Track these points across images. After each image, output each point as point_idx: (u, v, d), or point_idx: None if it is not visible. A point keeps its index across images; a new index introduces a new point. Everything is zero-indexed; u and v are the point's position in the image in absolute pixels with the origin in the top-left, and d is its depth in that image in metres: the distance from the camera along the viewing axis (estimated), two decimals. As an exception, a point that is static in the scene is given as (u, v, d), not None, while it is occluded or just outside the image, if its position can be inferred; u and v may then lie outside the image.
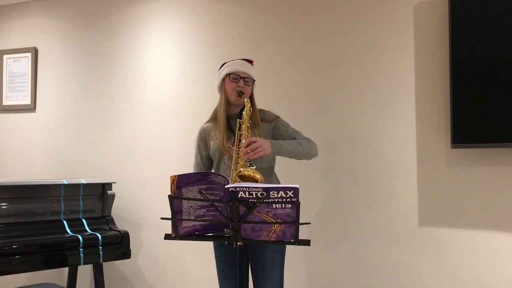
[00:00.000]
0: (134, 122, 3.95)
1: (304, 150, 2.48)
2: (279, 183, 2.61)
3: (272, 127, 2.57)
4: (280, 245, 2.45)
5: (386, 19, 3.17)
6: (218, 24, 3.67)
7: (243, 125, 2.39)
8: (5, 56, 4.44)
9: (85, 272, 3.95)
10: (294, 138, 2.53)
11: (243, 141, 2.34)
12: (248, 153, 2.28)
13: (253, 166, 2.33)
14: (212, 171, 2.64)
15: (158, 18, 3.90)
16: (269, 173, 2.55)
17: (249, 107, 2.41)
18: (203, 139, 2.64)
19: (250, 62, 2.64)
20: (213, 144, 2.55)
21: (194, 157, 2.69)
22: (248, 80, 2.55)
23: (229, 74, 2.54)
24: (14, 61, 4.40)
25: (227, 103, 2.56)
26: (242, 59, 2.62)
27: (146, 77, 3.93)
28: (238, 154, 2.35)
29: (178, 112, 3.79)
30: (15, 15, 4.45)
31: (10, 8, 4.47)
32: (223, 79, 2.57)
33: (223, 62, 2.66)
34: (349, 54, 3.26)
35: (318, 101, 3.33)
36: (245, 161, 2.32)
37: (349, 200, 3.22)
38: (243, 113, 2.41)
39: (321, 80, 3.33)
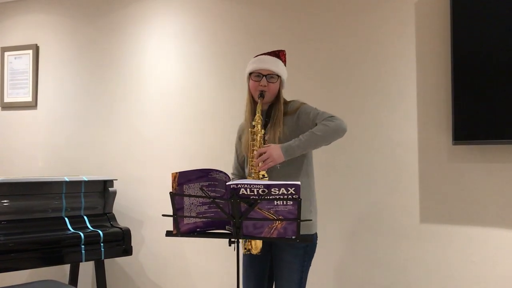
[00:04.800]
0: (136, 119, 3.95)
1: (323, 137, 2.28)
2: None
3: (296, 118, 2.40)
4: (300, 249, 2.39)
5: (387, 16, 3.16)
6: (219, 22, 3.67)
7: (255, 136, 2.33)
8: (6, 53, 4.44)
9: (86, 269, 3.95)
10: (315, 124, 2.34)
11: (255, 152, 2.31)
12: (258, 165, 2.25)
13: (265, 178, 2.29)
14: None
15: (159, 16, 3.90)
16: (303, 174, 2.42)
17: (259, 112, 2.32)
18: (239, 137, 2.57)
19: (278, 54, 2.46)
20: (242, 143, 2.51)
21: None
22: (272, 76, 2.38)
23: (251, 73, 2.42)
24: (15, 58, 4.40)
25: (253, 101, 2.43)
26: (268, 53, 2.45)
27: (147, 74, 3.93)
28: (252, 164, 2.32)
29: (179, 109, 3.79)
30: (16, 12, 4.45)
31: (11, 5, 4.47)
32: (248, 77, 2.45)
33: (255, 55, 2.50)
34: (350, 51, 3.25)
35: (319, 99, 3.32)
36: (257, 172, 2.29)
37: (350, 197, 3.22)
38: (253, 123, 2.33)
39: (323, 78, 3.33)
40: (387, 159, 3.14)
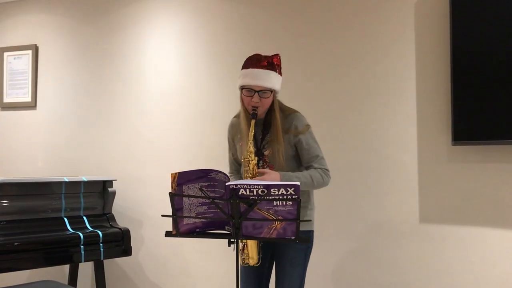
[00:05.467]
0: (135, 119, 3.95)
1: (313, 186, 2.35)
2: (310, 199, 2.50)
3: (295, 141, 2.38)
4: (303, 245, 2.39)
5: (387, 16, 3.16)
6: (219, 22, 3.67)
7: (249, 164, 2.28)
8: (5, 54, 4.43)
9: (86, 269, 3.95)
10: (311, 164, 2.36)
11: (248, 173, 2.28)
12: None
13: None
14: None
15: (158, 16, 3.89)
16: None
17: (251, 140, 2.27)
18: (231, 136, 2.55)
19: (272, 62, 2.33)
20: (238, 149, 2.49)
21: (227, 152, 2.62)
22: (265, 92, 2.29)
23: (242, 87, 2.33)
24: (14, 58, 4.40)
25: (247, 111, 2.36)
26: (259, 66, 2.31)
27: (147, 74, 3.92)
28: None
29: (179, 109, 3.79)
30: (16, 12, 4.45)
31: (10, 5, 4.47)
32: (240, 89, 2.37)
33: (247, 57, 2.39)
34: (350, 51, 3.25)
35: (318, 100, 3.33)
36: None
37: (350, 197, 3.22)
38: (246, 153, 2.27)
39: (321, 79, 3.33)
40: (386, 159, 3.13)
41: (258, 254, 2.34)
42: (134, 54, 3.97)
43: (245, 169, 2.30)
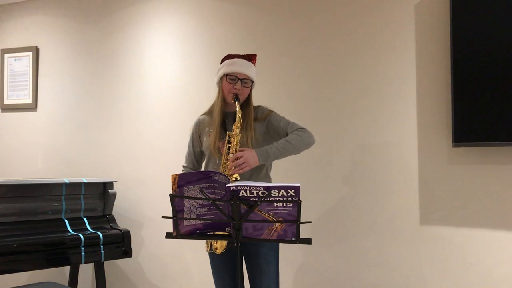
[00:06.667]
0: (136, 120, 3.95)
1: (295, 147, 2.43)
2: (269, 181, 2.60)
3: (265, 124, 2.54)
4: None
5: (387, 18, 3.16)
6: (219, 22, 3.67)
7: (233, 139, 2.39)
8: (6, 55, 4.44)
9: (86, 270, 3.95)
10: (286, 133, 2.49)
11: (231, 154, 2.37)
12: (234, 168, 2.32)
13: (238, 180, 2.36)
14: (202, 167, 2.67)
15: (158, 17, 3.90)
16: (263, 177, 2.54)
17: (239, 117, 2.39)
18: (198, 132, 2.64)
19: (252, 58, 2.56)
20: (206, 141, 2.56)
21: (187, 146, 2.69)
22: (246, 81, 2.49)
23: (227, 74, 2.49)
24: (15, 60, 4.41)
25: (223, 101, 2.53)
26: (243, 57, 2.53)
27: (147, 76, 3.93)
28: (225, 166, 2.39)
29: (179, 110, 3.79)
30: (16, 14, 4.46)
31: (11, 7, 4.48)
32: (221, 78, 2.52)
33: (226, 55, 2.59)
34: (350, 53, 3.26)
35: (318, 100, 3.33)
36: (230, 175, 2.34)
37: (350, 199, 3.22)
38: (233, 126, 2.40)
39: (322, 79, 3.33)
40: (386, 160, 3.13)
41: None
42: (134, 56, 3.98)
43: (227, 145, 2.40)
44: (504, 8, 2.76)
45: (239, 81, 2.46)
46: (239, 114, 2.40)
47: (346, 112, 3.26)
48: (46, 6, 4.34)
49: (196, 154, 2.66)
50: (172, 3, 3.85)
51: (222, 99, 2.52)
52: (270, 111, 2.58)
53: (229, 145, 2.40)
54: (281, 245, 2.52)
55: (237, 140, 2.39)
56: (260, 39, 3.52)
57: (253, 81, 2.52)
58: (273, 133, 2.53)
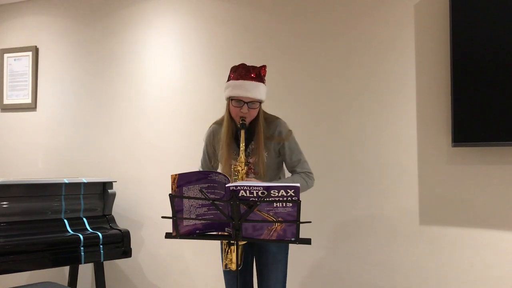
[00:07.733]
0: (135, 120, 3.95)
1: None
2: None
3: (279, 147, 2.48)
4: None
5: (387, 18, 3.16)
6: (219, 23, 3.67)
7: (240, 168, 2.34)
8: (6, 55, 4.44)
9: (86, 270, 3.95)
10: (294, 169, 2.47)
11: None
12: None
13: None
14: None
15: (158, 17, 3.90)
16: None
17: (243, 155, 2.33)
18: (212, 143, 2.57)
19: (259, 74, 2.40)
20: (221, 154, 2.51)
21: (202, 153, 2.64)
22: (253, 103, 2.37)
23: (232, 98, 2.38)
24: (15, 60, 4.40)
25: (231, 119, 2.44)
26: (250, 78, 2.36)
27: (147, 76, 3.93)
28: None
29: (179, 111, 3.79)
30: (16, 14, 4.45)
31: (11, 7, 4.47)
32: (228, 99, 2.42)
33: (236, 66, 2.44)
34: (350, 52, 3.25)
35: (319, 100, 3.33)
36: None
37: (349, 199, 3.21)
38: (238, 161, 2.33)
39: (322, 79, 3.33)
40: (386, 160, 3.13)
41: (240, 259, 2.30)
42: (134, 56, 3.98)
43: (234, 178, 2.35)
44: (504, 8, 2.76)
45: (245, 105, 2.36)
46: (242, 144, 2.32)
47: (346, 112, 3.25)
48: (46, 6, 4.34)
49: (214, 164, 2.62)
50: (172, 3, 3.85)
51: (229, 118, 2.44)
52: (288, 134, 2.48)
53: (236, 176, 2.34)
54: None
55: (242, 174, 2.33)
56: (260, 39, 3.52)
57: (261, 102, 2.42)
58: (282, 157, 2.51)
